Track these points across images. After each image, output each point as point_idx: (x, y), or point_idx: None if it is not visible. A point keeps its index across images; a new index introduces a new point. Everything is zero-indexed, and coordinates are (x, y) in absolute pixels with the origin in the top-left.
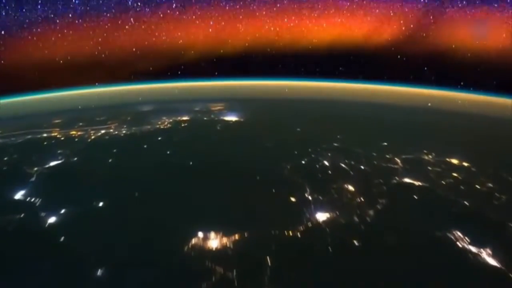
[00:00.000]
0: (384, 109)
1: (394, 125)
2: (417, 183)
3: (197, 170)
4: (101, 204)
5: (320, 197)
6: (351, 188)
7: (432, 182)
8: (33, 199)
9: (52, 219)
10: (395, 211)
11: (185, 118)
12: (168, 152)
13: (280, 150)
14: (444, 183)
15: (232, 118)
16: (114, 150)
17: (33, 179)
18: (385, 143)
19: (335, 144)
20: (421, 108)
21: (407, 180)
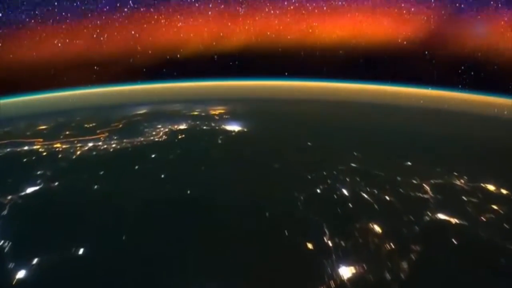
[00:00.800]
0: (400, 114)
1: (415, 136)
2: (453, 220)
3: (195, 203)
4: (81, 251)
5: (342, 243)
6: (377, 228)
7: (471, 219)
8: (1, 243)
9: (21, 273)
10: (432, 263)
11: (182, 127)
12: (163, 176)
13: (291, 174)
14: (484, 219)
15: (234, 127)
16: (101, 172)
17: (5, 212)
18: (409, 163)
19: (353, 165)
20: (441, 113)
21: (441, 216)
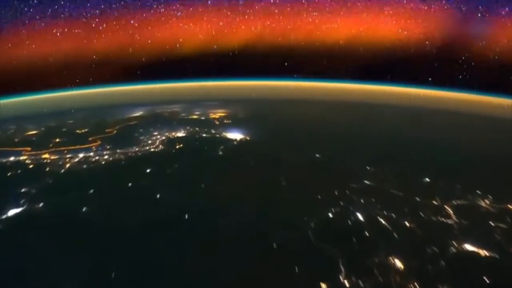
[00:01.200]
0: (409, 116)
1: (429, 144)
2: (482, 252)
3: (192, 231)
4: None
5: (360, 283)
6: (398, 264)
7: (501, 251)
8: None
9: None
10: None
11: (180, 134)
12: (158, 196)
13: (300, 193)
14: None
15: (236, 135)
16: (91, 191)
17: None
18: (427, 179)
19: (367, 182)
20: (452, 115)
21: (468, 247)
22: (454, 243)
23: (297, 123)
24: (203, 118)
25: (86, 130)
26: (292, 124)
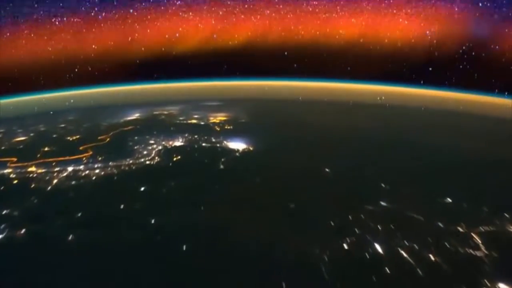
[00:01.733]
0: (421, 119)
1: (446, 152)
2: None
3: (188, 265)
4: None
5: None
6: None
7: None
8: None
9: None
10: None
11: (177, 143)
12: (153, 222)
13: (310, 219)
14: None
15: (238, 144)
16: (79, 214)
17: None
18: (449, 199)
19: (383, 204)
20: (466, 118)
21: (502, 286)
22: (487, 282)
23: (302, 128)
24: (202, 122)
25: (78, 137)
26: (296, 129)
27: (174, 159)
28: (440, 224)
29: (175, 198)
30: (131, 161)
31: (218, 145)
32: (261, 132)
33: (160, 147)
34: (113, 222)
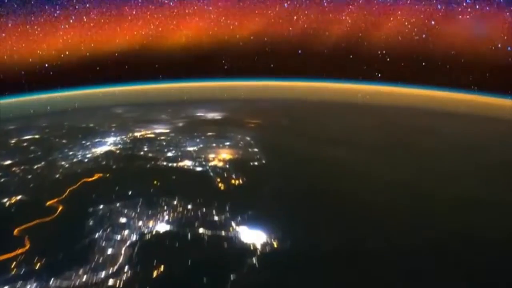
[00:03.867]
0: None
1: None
2: None
3: None
4: None
5: None
6: None
7: None
8: None
9: None
10: None
11: (162, 226)
12: None
13: None
14: None
15: (256, 234)
16: None
17: None
18: None
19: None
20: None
21: None
22: None
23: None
24: (199, 168)
25: (19, 199)
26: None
27: (154, 273)
28: None
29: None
30: (84, 278)
31: (223, 232)
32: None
33: (134, 237)
34: None
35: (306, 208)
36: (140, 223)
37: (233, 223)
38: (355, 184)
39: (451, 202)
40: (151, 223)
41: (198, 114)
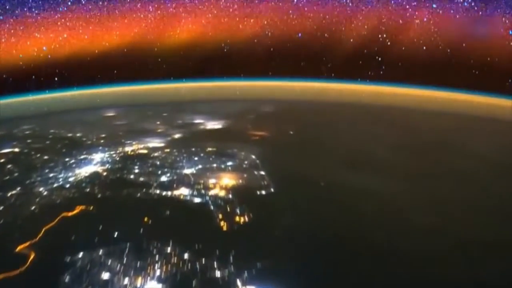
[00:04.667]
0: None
1: None
2: None
3: None
4: None
5: None
6: None
7: None
8: None
9: None
10: None
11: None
12: None
13: None
14: None
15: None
16: None
17: None
18: None
19: None
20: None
21: None
22: None
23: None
24: (197, 199)
25: None
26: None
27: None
28: None
29: None
30: None
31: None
32: (307, 238)
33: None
34: None
35: (328, 262)
36: (126, 280)
37: (238, 282)
38: (390, 228)
39: None
40: (139, 281)
41: (197, 121)
